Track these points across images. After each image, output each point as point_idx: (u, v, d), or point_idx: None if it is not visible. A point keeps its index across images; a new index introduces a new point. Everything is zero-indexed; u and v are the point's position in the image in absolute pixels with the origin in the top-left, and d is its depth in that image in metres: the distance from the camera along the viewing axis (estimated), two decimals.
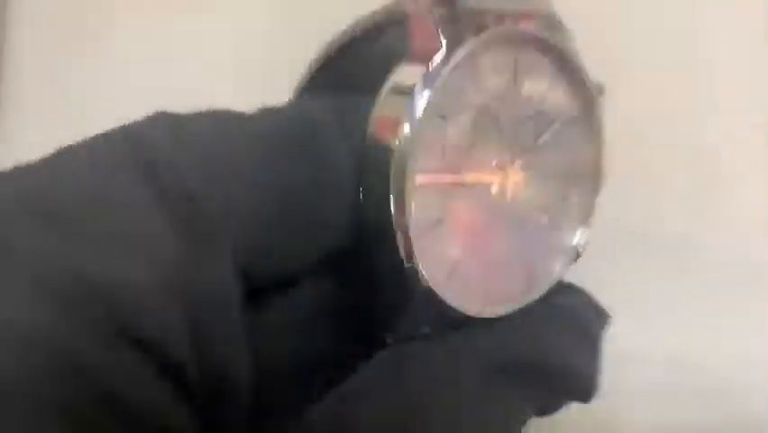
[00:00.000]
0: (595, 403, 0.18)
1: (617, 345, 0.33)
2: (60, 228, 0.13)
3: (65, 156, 0.14)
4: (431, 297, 0.15)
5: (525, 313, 0.17)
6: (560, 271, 0.18)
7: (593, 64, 0.18)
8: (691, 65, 0.35)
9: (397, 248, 0.15)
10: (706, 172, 0.36)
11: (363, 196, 0.15)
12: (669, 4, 0.27)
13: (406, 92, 0.15)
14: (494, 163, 0.16)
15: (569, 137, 0.17)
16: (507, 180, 0.17)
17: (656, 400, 0.32)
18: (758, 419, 0.31)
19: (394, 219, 0.15)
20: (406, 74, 0.15)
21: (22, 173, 0.14)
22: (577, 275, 0.33)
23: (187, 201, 0.14)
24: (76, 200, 0.13)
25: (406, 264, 0.15)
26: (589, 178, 0.18)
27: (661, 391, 0.33)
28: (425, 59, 0.15)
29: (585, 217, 0.18)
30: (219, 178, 0.14)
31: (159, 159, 0.14)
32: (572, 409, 0.18)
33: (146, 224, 0.13)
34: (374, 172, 0.15)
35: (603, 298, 0.33)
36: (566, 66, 0.17)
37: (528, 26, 0.16)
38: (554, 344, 0.17)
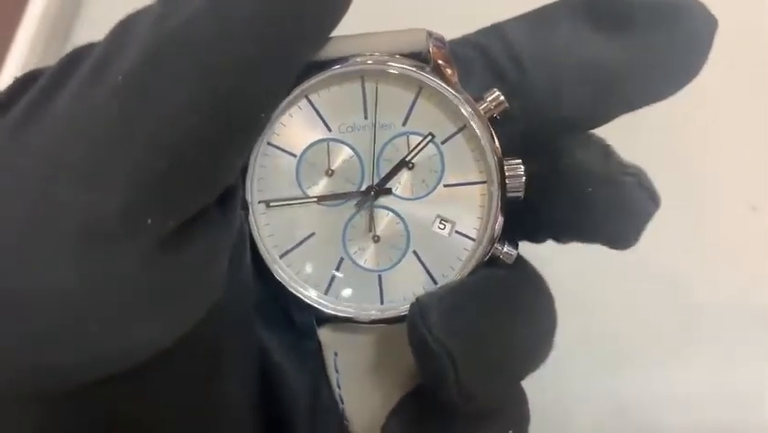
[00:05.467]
0: None
1: (632, 390, 0.33)
2: None
3: None
4: None
5: None
6: None
7: None
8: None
9: None
10: (718, 222, 0.36)
11: None
12: None
13: None
14: None
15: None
16: None
17: None
18: None
19: None
20: None
21: None
22: (589, 325, 0.33)
23: None
24: None
25: None
26: None
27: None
28: None
29: None
30: None
31: None
32: None
33: None
34: None
35: (616, 344, 0.33)
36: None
37: None
38: None
